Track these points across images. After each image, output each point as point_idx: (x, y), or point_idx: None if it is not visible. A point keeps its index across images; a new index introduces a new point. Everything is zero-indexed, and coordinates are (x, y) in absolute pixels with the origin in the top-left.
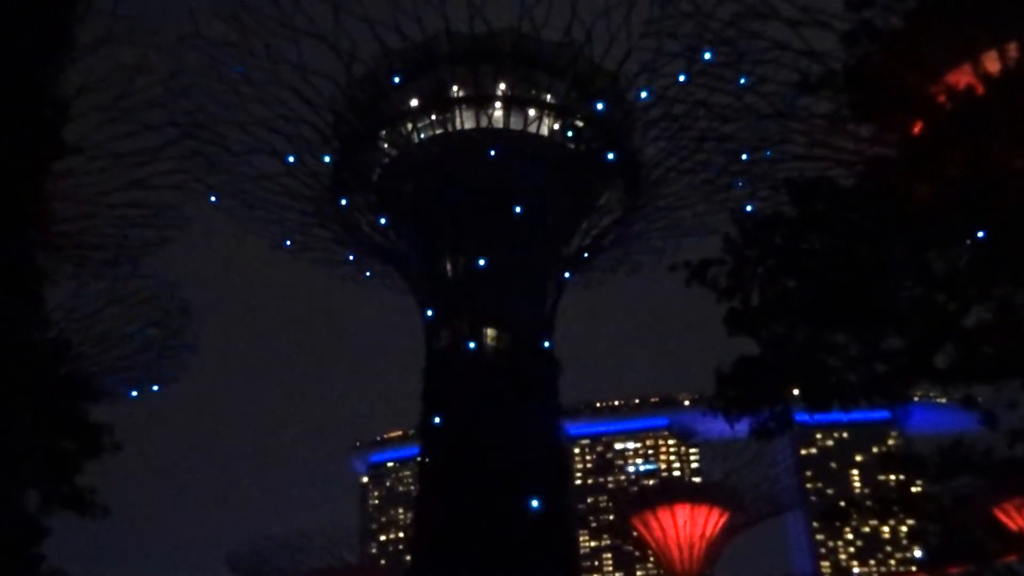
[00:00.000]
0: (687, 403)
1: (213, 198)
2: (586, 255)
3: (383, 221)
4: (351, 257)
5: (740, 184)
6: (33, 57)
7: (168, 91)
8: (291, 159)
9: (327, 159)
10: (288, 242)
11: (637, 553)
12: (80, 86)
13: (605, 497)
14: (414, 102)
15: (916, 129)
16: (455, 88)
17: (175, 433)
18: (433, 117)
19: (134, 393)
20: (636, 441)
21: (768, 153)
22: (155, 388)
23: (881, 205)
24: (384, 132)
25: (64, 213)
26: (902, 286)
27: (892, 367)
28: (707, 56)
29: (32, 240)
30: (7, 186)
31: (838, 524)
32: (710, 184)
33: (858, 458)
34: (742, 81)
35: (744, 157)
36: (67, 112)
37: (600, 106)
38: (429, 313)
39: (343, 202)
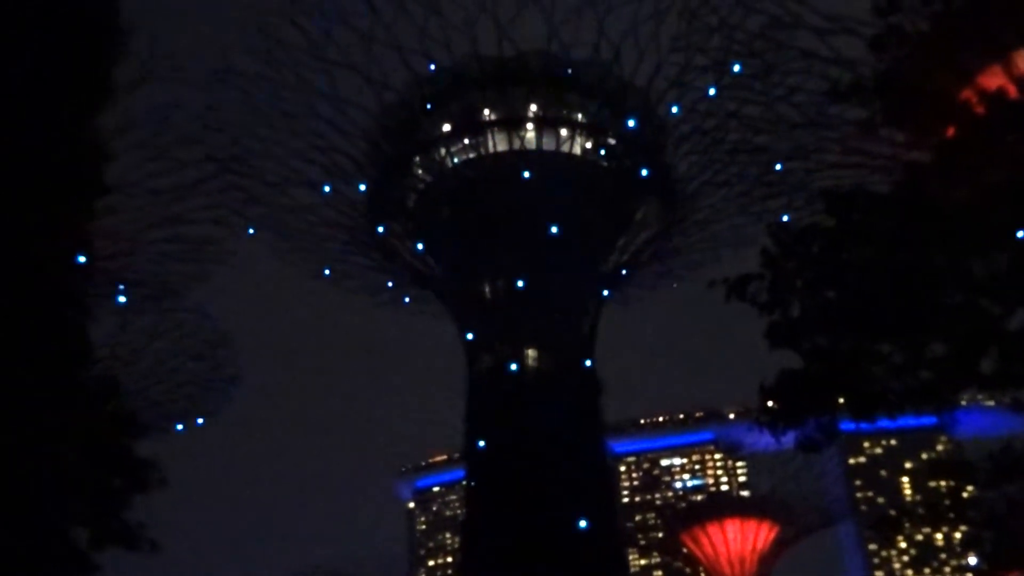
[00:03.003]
0: (732, 416)
1: (251, 231)
2: (624, 272)
3: (420, 246)
4: (390, 283)
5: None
6: (74, 102)
7: (204, 127)
8: (327, 188)
9: (363, 187)
10: (327, 271)
11: (688, 570)
12: (118, 126)
13: (653, 514)
14: (446, 127)
15: (950, 133)
16: (487, 111)
17: (220, 464)
18: (466, 141)
19: (180, 427)
20: (682, 456)
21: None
22: (200, 421)
23: (918, 211)
24: (418, 158)
25: (106, 251)
26: (944, 292)
27: (937, 374)
28: (736, 68)
29: (77, 279)
30: (53, 228)
31: (891, 533)
32: (745, 196)
33: (908, 465)
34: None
35: (778, 167)
36: (107, 153)
37: (632, 123)
38: (469, 336)
39: (380, 229)
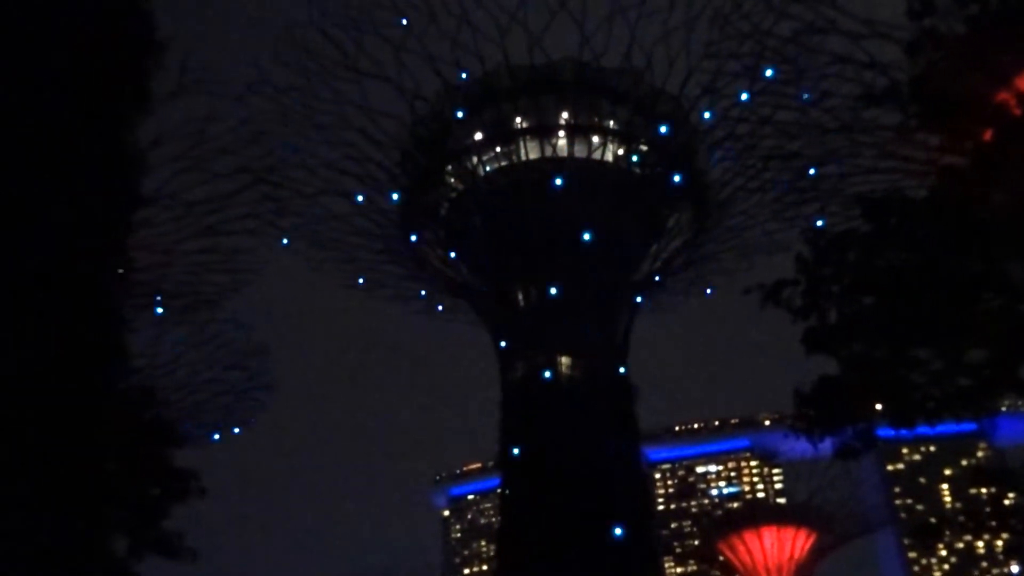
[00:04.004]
0: (768, 423)
1: (285, 241)
2: (657, 279)
3: (453, 255)
4: (423, 292)
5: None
6: (111, 114)
7: (238, 139)
8: (360, 198)
9: (395, 196)
10: (361, 280)
11: None
12: (154, 139)
13: (689, 522)
14: (478, 135)
15: (987, 136)
16: (518, 119)
17: (256, 473)
18: (498, 149)
19: (216, 436)
20: (718, 464)
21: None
22: (236, 430)
23: (955, 216)
24: (450, 167)
25: (143, 262)
26: (982, 297)
27: (977, 380)
28: (769, 73)
29: (115, 291)
30: (91, 241)
31: (931, 541)
32: (779, 202)
33: (947, 472)
34: (805, 96)
35: (812, 172)
36: (143, 165)
37: (664, 129)
38: (503, 344)
39: (413, 238)
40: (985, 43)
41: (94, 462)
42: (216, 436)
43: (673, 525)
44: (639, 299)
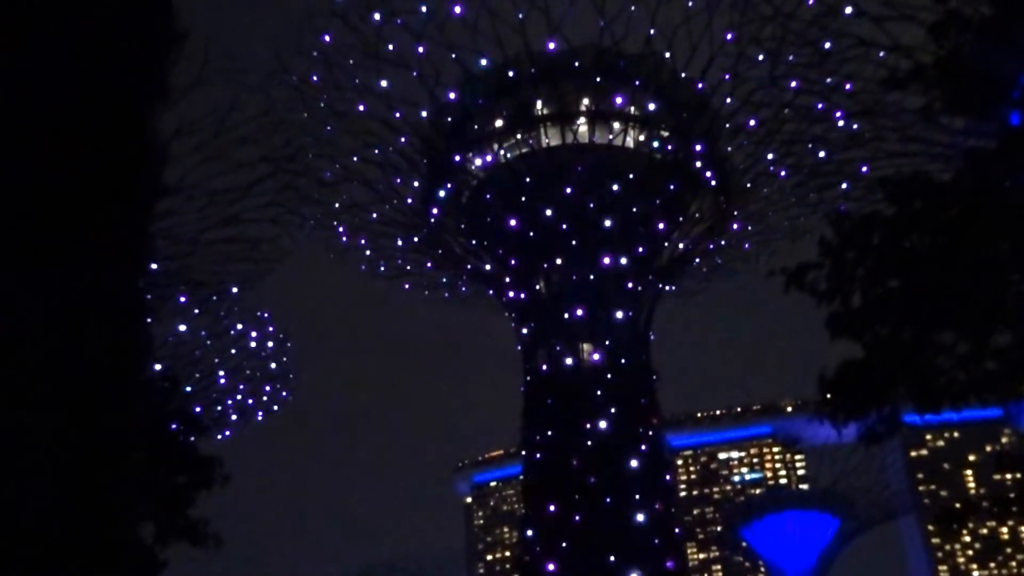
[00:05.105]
0: (790, 409)
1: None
2: (679, 265)
3: (474, 242)
4: (445, 280)
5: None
6: (133, 106)
7: (259, 128)
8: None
9: (416, 184)
10: (383, 268)
11: (748, 564)
12: (176, 129)
13: (711, 508)
14: (499, 123)
15: (1013, 119)
16: (539, 106)
17: (280, 461)
18: (519, 136)
19: (226, 434)
20: (740, 450)
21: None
22: (259, 417)
23: (981, 199)
24: (471, 154)
25: (166, 252)
26: (1008, 280)
27: (1003, 364)
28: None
29: (139, 281)
30: (114, 231)
31: (955, 527)
32: (801, 187)
33: (971, 458)
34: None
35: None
36: (166, 155)
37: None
38: (525, 332)
39: (434, 226)
40: (1010, 24)
41: (120, 452)
42: (227, 433)
43: (696, 511)
44: (661, 286)
